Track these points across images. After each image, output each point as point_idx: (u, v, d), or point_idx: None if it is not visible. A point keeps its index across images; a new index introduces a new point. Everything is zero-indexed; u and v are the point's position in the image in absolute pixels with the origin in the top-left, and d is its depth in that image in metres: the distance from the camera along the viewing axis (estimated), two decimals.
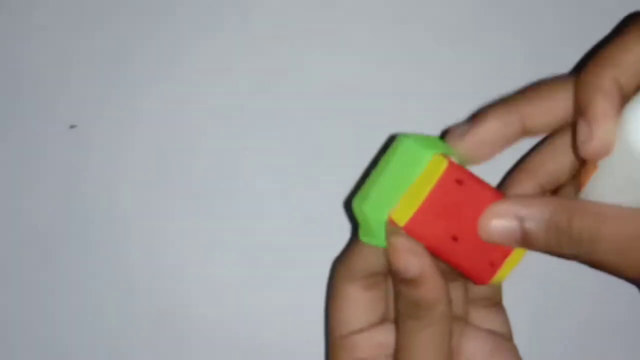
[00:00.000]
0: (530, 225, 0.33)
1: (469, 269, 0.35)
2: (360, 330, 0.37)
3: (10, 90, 0.42)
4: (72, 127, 0.42)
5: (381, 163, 0.36)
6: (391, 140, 0.38)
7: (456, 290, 0.37)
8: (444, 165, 0.34)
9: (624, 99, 0.31)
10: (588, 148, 0.31)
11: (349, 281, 0.37)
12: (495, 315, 0.38)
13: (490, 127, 0.34)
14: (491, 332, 0.38)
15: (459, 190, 0.34)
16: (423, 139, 0.35)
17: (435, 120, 0.42)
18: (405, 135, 0.35)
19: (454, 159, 0.35)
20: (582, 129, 0.31)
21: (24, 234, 0.41)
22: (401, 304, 0.36)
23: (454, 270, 0.35)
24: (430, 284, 0.34)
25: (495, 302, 0.38)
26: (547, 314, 0.42)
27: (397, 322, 0.36)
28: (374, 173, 0.36)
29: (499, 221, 0.33)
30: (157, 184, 0.42)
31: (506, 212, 0.33)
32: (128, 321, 0.41)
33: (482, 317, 0.38)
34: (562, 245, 0.33)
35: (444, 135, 0.36)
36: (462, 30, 0.43)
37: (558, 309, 0.42)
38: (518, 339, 0.39)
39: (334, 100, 0.42)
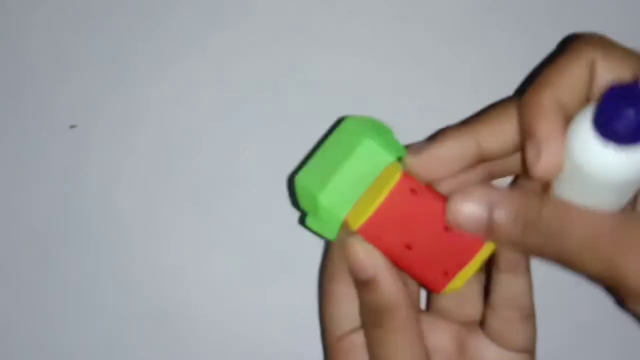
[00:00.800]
0: (499, 214, 0.32)
1: (422, 276, 0.35)
2: (356, 330, 0.37)
3: (11, 90, 0.42)
4: (72, 127, 0.42)
5: (331, 145, 0.36)
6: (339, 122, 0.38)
7: (473, 293, 0.37)
8: (398, 174, 0.34)
9: (568, 118, 0.32)
10: (537, 170, 0.31)
11: (337, 281, 0.37)
12: (521, 332, 0.36)
13: (446, 146, 0.34)
14: (508, 351, 0.36)
15: (413, 200, 0.34)
16: (379, 135, 0.35)
17: (435, 120, 0.42)
18: (359, 125, 0.36)
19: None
20: (529, 151, 0.32)
21: (23, 234, 0.42)
22: (363, 312, 0.36)
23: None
24: (386, 287, 0.34)
25: (524, 316, 0.36)
26: (547, 314, 0.42)
27: (364, 332, 0.36)
28: (323, 154, 0.36)
29: (469, 205, 0.33)
30: (157, 184, 0.42)
31: (478, 197, 0.33)
32: (128, 321, 0.41)
33: (504, 332, 0.36)
34: (529, 235, 0.32)
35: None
36: (462, 30, 0.43)
37: (556, 310, 0.42)
38: None
39: (334, 100, 0.42)
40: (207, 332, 0.42)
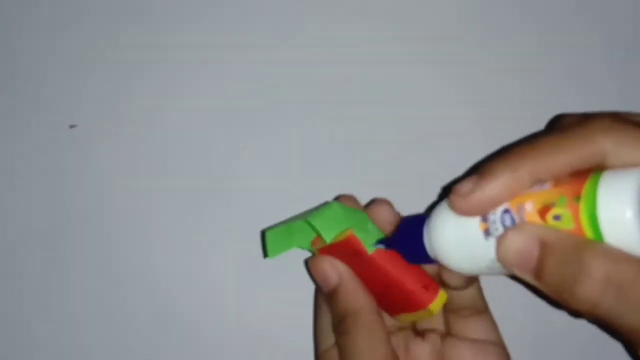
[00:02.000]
0: (550, 260, 0.29)
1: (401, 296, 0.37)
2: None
3: (11, 90, 0.42)
4: (72, 127, 0.42)
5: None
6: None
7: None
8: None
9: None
10: None
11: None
12: (479, 323, 0.38)
13: (499, 183, 0.30)
14: (472, 340, 0.38)
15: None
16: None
17: (435, 119, 0.42)
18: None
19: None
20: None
21: (23, 233, 0.41)
22: (333, 324, 0.37)
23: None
24: (348, 292, 0.37)
25: (478, 311, 0.38)
26: (546, 316, 0.43)
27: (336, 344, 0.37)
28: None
29: (518, 239, 0.29)
30: (157, 184, 0.42)
31: (529, 232, 0.29)
32: (128, 321, 0.41)
33: (465, 327, 0.38)
34: (623, 311, 0.27)
35: (447, 191, 0.34)
36: (462, 30, 0.43)
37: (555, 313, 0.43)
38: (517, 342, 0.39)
39: (334, 100, 0.42)
40: (207, 332, 0.42)
